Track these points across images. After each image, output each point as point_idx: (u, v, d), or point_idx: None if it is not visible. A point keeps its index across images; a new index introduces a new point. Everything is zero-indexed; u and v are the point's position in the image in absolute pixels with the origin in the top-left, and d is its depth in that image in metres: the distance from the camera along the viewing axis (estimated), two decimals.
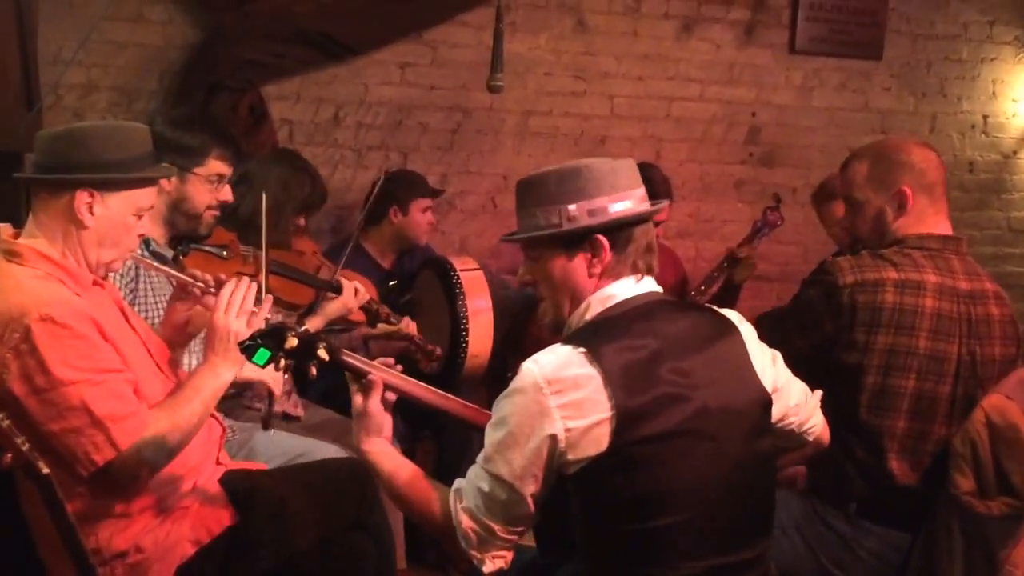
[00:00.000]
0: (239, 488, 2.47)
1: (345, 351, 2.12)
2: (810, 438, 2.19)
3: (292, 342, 2.07)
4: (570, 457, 1.83)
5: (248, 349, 2.08)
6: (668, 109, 5.07)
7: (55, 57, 4.16)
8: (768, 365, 2.04)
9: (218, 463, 2.54)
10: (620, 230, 1.98)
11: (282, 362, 2.09)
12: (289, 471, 2.73)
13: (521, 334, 4.29)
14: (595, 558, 1.91)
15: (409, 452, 3.82)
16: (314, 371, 2.12)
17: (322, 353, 2.09)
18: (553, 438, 1.82)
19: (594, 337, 1.89)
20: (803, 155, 5.27)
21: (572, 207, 1.97)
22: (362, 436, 2.10)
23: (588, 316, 1.98)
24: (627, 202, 1.98)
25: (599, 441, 1.81)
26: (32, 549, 2.29)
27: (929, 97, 5.42)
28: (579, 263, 1.99)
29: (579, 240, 1.98)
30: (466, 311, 3.70)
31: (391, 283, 4.08)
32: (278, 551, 2.49)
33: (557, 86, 4.90)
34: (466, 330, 3.70)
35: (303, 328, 2.14)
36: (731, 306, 3.28)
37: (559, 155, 4.90)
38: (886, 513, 2.51)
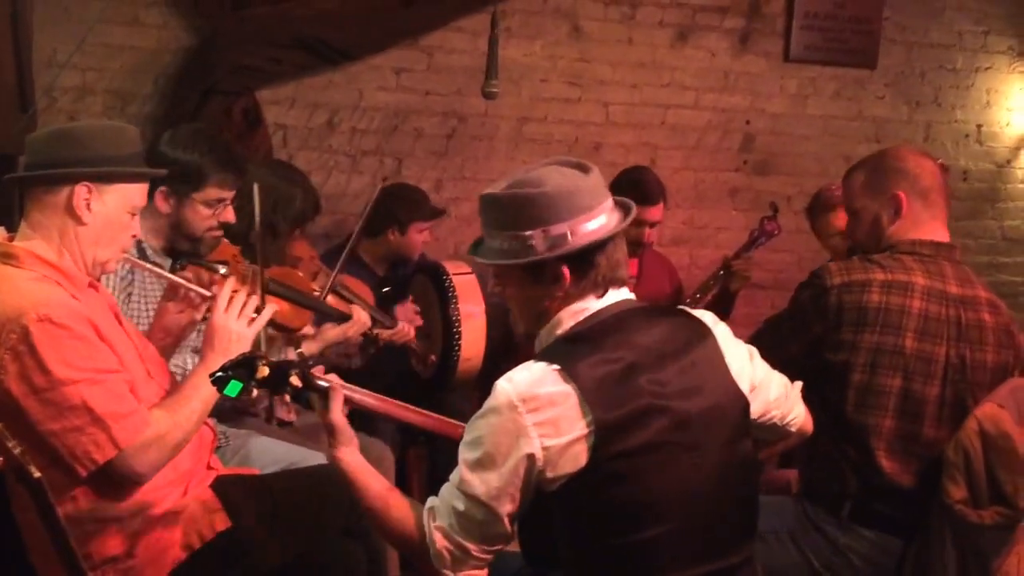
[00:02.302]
0: (230, 494, 2.47)
1: (316, 375, 2.12)
2: (793, 429, 2.19)
3: (263, 371, 2.08)
4: (549, 475, 1.82)
5: (219, 381, 2.08)
6: (663, 116, 5.08)
7: (50, 60, 4.16)
8: (745, 363, 2.04)
9: (209, 468, 2.54)
10: (582, 256, 1.94)
11: (254, 392, 2.09)
12: (280, 477, 2.73)
13: (512, 338, 4.29)
14: (582, 573, 1.91)
15: (401, 459, 3.82)
16: (288, 398, 2.14)
17: (295, 380, 2.09)
18: (531, 457, 1.81)
19: (568, 353, 1.88)
20: (797, 163, 5.28)
21: (530, 234, 1.92)
22: (334, 445, 2.08)
23: (559, 331, 1.96)
24: (589, 224, 1.93)
25: (577, 458, 1.81)
26: (24, 555, 2.28)
27: (923, 106, 5.44)
28: (541, 289, 1.97)
29: (539, 269, 1.95)
30: (459, 315, 3.71)
31: (385, 289, 4.08)
32: (269, 557, 2.49)
33: (552, 93, 4.90)
34: (459, 333, 3.70)
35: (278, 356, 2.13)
36: (726, 314, 3.28)
37: None
38: (879, 516, 2.52)
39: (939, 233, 2.62)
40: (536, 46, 4.85)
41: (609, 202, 1.99)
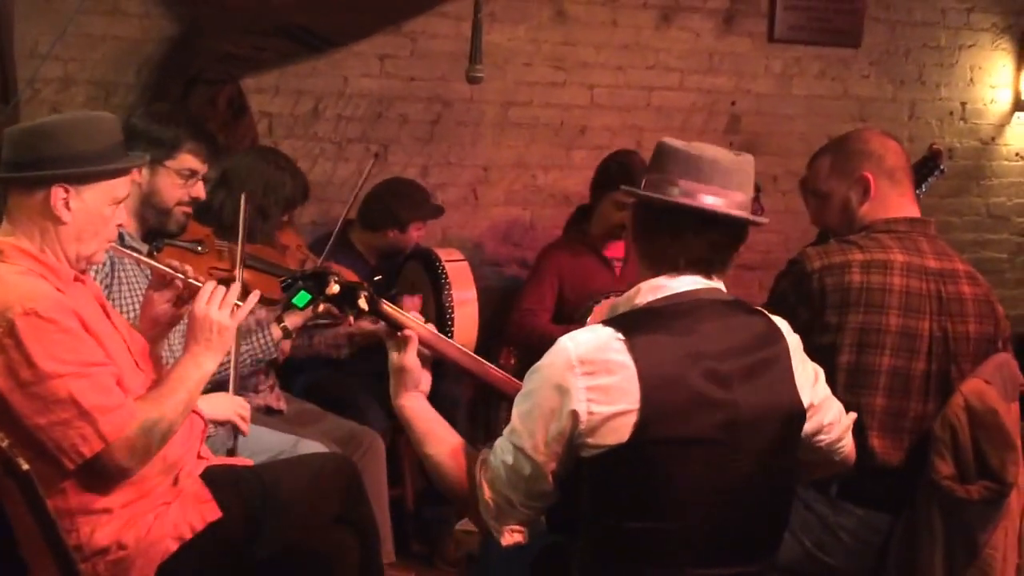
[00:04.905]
0: (221, 484, 2.46)
1: (385, 301, 2.14)
2: (837, 458, 2.17)
3: (334, 288, 2.12)
4: (589, 440, 1.82)
5: (289, 288, 2.12)
6: (648, 99, 5.07)
7: (31, 51, 4.14)
8: (809, 381, 2.02)
9: (199, 457, 2.53)
10: (653, 217, 1.97)
11: (321, 306, 2.16)
12: (272, 466, 2.72)
13: (502, 322, 4.30)
14: (597, 548, 1.91)
15: (391, 444, 3.83)
16: (352, 320, 2.17)
17: (362, 303, 2.13)
18: (575, 415, 1.81)
19: (636, 326, 1.87)
20: (783, 143, 5.28)
21: (646, 180, 1.99)
22: (399, 391, 2.11)
23: (638, 301, 1.96)
24: (714, 197, 1.91)
25: (620, 431, 1.80)
26: (13, 547, 2.28)
27: (908, 84, 5.44)
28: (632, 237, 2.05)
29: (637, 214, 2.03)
30: (451, 301, 3.72)
31: (376, 278, 4.08)
32: (260, 547, 2.48)
33: (537, 76, 4.89)
34: (451, 320, 3.71)
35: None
36: None
37: (539, 146, 4.91)
38: (867, 494, 2.53)
39: (910, 209, 2.64)
40: (520, 30, 4.83)
41: (740, 195, 1.94)
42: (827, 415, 2.08)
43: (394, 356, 2.12)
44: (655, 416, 1.79)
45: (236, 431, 2.78)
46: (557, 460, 1.87)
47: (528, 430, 1.87)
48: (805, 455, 2.08)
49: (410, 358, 2.11)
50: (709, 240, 1.95)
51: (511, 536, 1.95)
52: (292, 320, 3.19)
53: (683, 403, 1.81)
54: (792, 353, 1.98)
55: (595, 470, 1.85)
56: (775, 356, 1.95)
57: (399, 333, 2.12)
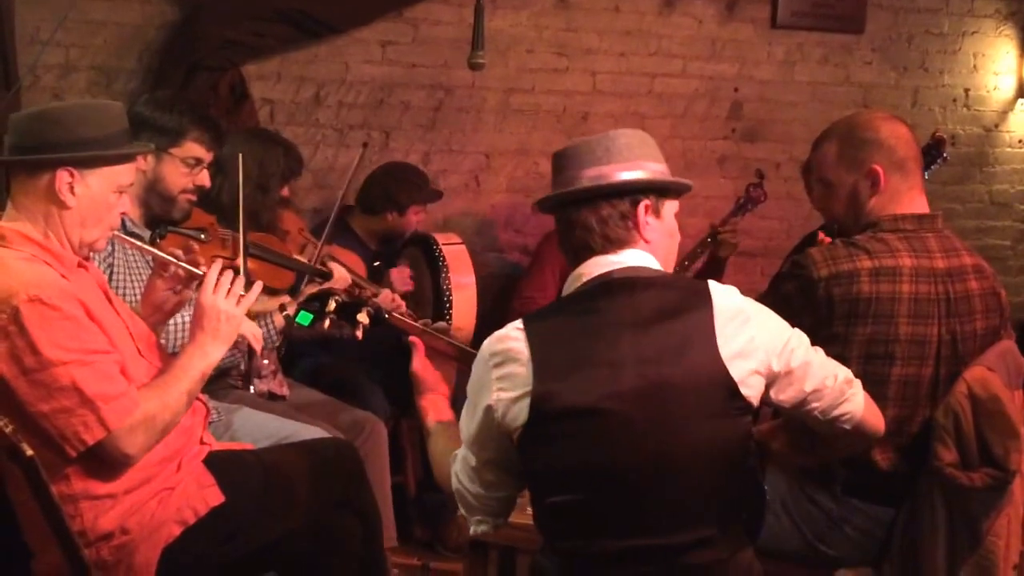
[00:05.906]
0: (224, 468, 2.47)
1: (393, 313, 2.24)
2: (846, 426, 2.06)
3: (331, 305, 2.28)
4: (509, 427, 1.90)
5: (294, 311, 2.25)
6: (650, 85, 5.06)
7: (32, 37, 4.14)
8: (770, 347, 1.93)
9: (202, 443, 2.54)
10: (558, 212, 2.03)
11: (327, 322, 2.27)
12: (274, 451, 2.73)
13: (504, 308, 4.30)
14: (540, 528, 1.99)
15: (394, 431, 3.84)
16: (359, 334, 2.28)
17: (362, 317, 2.26)
18: (489, 408, 1.91)
19: (540, 314, 1.99)
20: (786, 130, 5.26)
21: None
22: (415, 393, 2.28)
23: (563, 295, 2.03)
24: (573, 179, 1.99)
25: (521, 414, 1.88)
26: (17, 532, 2.28)
27: (911, 71, 5.42)
28: None
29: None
30: (450, 284, 3.73)
31: (375, 263, 4.09)
32: (264, 531, 2.50)
33: (539, 63, 4.88)
34: (450, 303, 3.72)
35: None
36: (717, 281, 3.25)
37: (541, 132, 4.90)
38: (873, 491, 2.51)
39: (919, 203, 2.55)
40: (522, 16, 4.82)
41: (612, 165, 2.00)
42: (809, 382, 1.99)
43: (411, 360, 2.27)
44: (545, 394, 1.86)
45: (251, 352, 2.81)
46: (486, 450, 1.97)
47: (466, 424, 1.99)
48: (817, 428, 2.07)
49: (418, 363, 2.24)
50: (573, 224, 2.00)
51: (477, 526, 2.05)
52: (293, 309, 3.18)
53: (572, 380, 1.86)
54: (720, 320, 1.90)
55: (520, 452, 1.92)
56: (691, 326, 1.89)
57: (406, 339, 2.25)
